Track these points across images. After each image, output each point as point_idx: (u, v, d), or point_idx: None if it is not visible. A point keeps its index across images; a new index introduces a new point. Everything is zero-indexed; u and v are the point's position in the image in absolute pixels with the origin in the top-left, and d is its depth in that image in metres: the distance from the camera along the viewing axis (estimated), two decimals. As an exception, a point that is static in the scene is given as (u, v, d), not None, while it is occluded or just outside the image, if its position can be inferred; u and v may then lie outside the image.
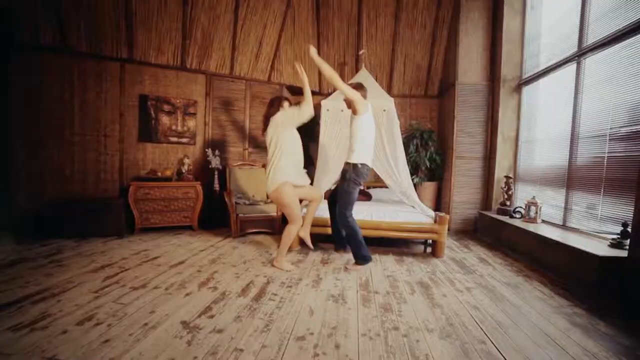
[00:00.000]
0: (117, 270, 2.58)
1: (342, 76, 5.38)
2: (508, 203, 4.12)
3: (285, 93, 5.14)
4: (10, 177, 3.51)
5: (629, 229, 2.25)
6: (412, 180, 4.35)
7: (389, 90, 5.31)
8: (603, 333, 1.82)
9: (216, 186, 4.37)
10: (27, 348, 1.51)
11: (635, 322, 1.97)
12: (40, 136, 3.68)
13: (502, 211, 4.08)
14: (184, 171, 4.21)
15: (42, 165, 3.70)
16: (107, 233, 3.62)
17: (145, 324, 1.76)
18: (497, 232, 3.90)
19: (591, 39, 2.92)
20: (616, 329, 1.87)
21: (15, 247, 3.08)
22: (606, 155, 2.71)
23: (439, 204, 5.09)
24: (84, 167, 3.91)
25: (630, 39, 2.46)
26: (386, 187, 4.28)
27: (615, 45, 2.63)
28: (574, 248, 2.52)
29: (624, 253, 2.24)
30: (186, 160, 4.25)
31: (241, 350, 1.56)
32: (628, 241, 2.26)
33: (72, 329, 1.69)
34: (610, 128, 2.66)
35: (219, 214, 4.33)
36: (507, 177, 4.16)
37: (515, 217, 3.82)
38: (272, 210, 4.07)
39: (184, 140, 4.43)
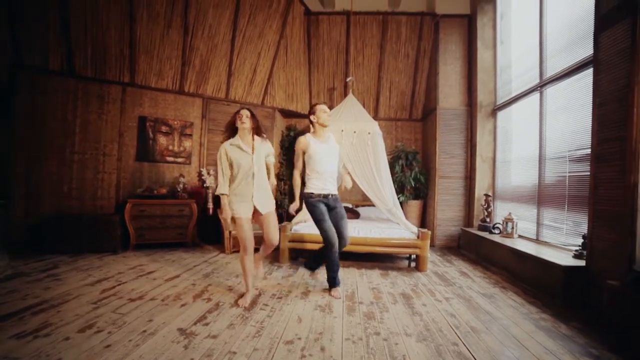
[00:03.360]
0: (114, 284, 2.68)
1: (330, 100, 5.76)
2: (488, 220, 4.37)
3: (278, 116, 5.44)
4: (9, 192, 3.61)
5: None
6: (398, 198, 4.60)
7: (376, 114, 5.67)
8: (563, 334, 2.02)
9: (210, 204, 4.53)
10: (32, 353, 1.61)
11: (591, 323, 2.18)
12: (41, 153, 3.82)
13: (483, 227, 4.32)
14: (179, 189, 4.36)
15: (41, 182, 3.82)
16: (102, 249, 3.70)
17: (144, 331, 1.88)
18: (478, 247, 4.12)
19: (549, 72, 3.30)
20: (575, 331, 2.07)
21: (10, 263, 3.14)
22: (567, 175, 3.01)
23: (424, 221, 5.32)
24: (82, 184, 4.04)
25: (579, 74, 2.83)
26: (373, 205, 4.51)
27: (567, 80, 3.00)
28: (543, 260, 2.75)
29: (583, 263, 2.48)
30: (181, 179, 4.42)
31: (234, 352, 1.69)
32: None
33: (74, 336, 1.80)
34: (569, 151, 2.98)
35: (212, 231, 4.47)
36: (486, 195, 4.44)
37: (494, 233, 4.05)
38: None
39: (180, 159, 4.62)
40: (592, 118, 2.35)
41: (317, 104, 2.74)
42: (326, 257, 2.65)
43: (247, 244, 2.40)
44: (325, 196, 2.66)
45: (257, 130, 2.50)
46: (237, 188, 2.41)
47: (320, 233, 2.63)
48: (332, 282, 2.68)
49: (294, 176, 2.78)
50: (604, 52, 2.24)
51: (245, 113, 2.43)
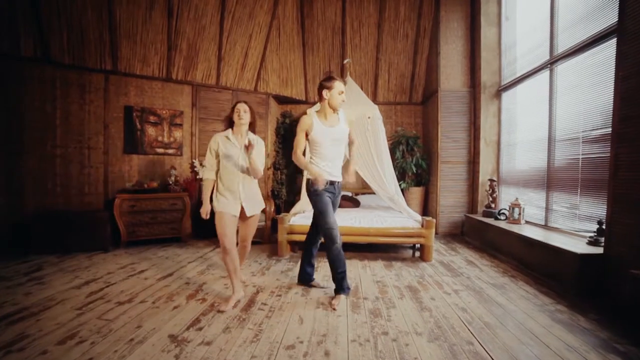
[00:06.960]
0: (102, 285, 2.51)
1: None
2: (493, 205, 4.23)
3: (272, 103, 5.18)
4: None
5: (604, 227, 2.35)
6: (400, 185, 4.43)
7: (374, 98, 5.43)
8: (583, 328, 1.89)
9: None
10: (5, 370, 1.46)
11: (612, 315, 2.05)
12: (20, 148, 3.58)
13: (488, 213, 4.18)
14: (171, 182, 4.16)
15: (22, 179, 3.59)
16: (91, 247, 3.52)
17: (131, 340, 1.72)
18: (483, 234, 3.99)
19: (561, 47, 3.08)
20: (595, 323, 1.94)
21: (-8, 266, 2.96)
22: (580, 157, 2.84)
23: (427, 208, 5.18)
24: (67, 180, 3.82)
25: (594, 49, 2.61)
26: (374, 193, 4.35)
27: (582, 54, 2.78)
28: (555, 247, 2.60)
29: (600, 250, 2.34)
30: (173, 172, 4.21)
31: (230, 361, 1.54)
32: (604, 238, 2.35)
33: (53, 349, 1.64)
34: (583, 131, 2.79)
35: (207, 225, 4.27)
36: (491, 180, 4.28)
37: (500, 219, 3.91)
38: (260, 220, 4.06)
39: (171, 151, 4.40)
40: (614, 93, 2.16)
41: (333, 77, 2.22)
42: (328, 257, 2.27)
43: (226, 243, 2.20)
44: (332, 183, 2.32)
45: (252, 126, 2.40)
46: (227, 183, 2.29)
47: (321, 227, 2.27)
48: (339, 285, 2.31)
49: (297, 155, 2.24)
50: (632, 19, 2.03)
51: (242, 108, 2.30)
